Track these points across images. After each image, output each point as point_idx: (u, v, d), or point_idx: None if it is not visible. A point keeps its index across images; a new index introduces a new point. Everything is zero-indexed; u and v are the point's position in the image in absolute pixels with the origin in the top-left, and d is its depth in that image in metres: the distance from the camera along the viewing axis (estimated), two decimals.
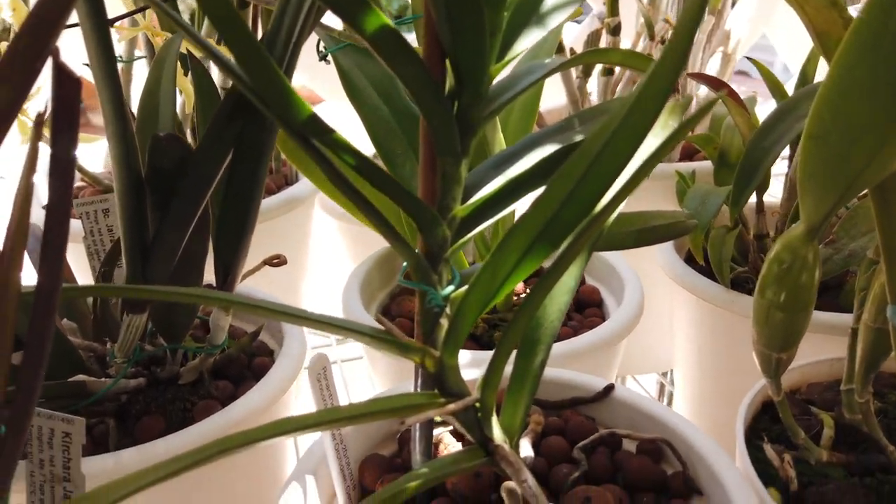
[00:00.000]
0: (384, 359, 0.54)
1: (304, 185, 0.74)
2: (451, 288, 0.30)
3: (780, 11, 1.09)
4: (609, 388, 0.42)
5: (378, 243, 0.65)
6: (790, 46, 1.29)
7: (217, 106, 0.46)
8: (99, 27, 0.28)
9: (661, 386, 0.99)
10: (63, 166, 0.24)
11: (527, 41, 0.30)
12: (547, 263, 0.29)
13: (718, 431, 0.58)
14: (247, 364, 0.49)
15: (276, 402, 0.43)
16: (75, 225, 0.60)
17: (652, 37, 0.77)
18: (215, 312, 0.41)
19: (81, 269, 0.53)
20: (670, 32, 0.74)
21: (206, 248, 0.36)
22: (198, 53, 0.45)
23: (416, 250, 0.30)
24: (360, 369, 0.81)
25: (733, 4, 0.85)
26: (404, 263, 0.32)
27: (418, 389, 0.35)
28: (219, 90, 0.47)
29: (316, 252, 0.81)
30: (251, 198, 0.32)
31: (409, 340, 0.29)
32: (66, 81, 0.23)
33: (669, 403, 0.97)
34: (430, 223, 0.28)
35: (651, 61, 0.39)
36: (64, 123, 0.24)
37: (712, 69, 0.88)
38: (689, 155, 0.82)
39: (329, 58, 0.48)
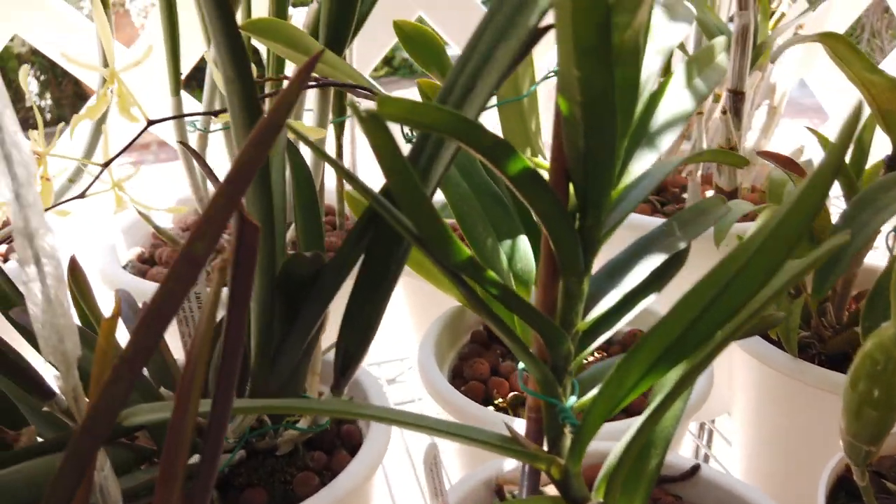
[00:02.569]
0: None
1: None
2: (573, 399, 0.32)
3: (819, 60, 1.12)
4: (696, 468, 0.43)
5: (435, 295, 0.67)
6: (825, 85, 1.32)
7: (312, 189, 0.48)
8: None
9: (701, 425, 1.01)
10: (240, 302, 0.26)
11: (641, 165, 0.32)
12: None
13: (785, 495, 0.60)
14: (336, 433, 0.51)
15: (372, 475, 0.45)
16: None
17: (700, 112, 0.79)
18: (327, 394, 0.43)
19: (169, 333, 0.56)
20: (722, 102, 0.76)
21: (319, 341, 0.38)
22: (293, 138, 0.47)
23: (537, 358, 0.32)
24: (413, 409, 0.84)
25: (773, 60, 0.87)
26: (517, 364, 0.34)
27: (525, 478, 0.37)
28: (310, 169, 0.50)
29: None
30: (378, 304, 0.34)
31: (538, 449, 0.31)
32: (248, 230, 0.26)
33: (708, 443, 0.99)
34: (556, 340, 0.30)
35: (737, 157, 0.40)
36: (245, 266, 0.26)
37: (758, 120, 0.90)
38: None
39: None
